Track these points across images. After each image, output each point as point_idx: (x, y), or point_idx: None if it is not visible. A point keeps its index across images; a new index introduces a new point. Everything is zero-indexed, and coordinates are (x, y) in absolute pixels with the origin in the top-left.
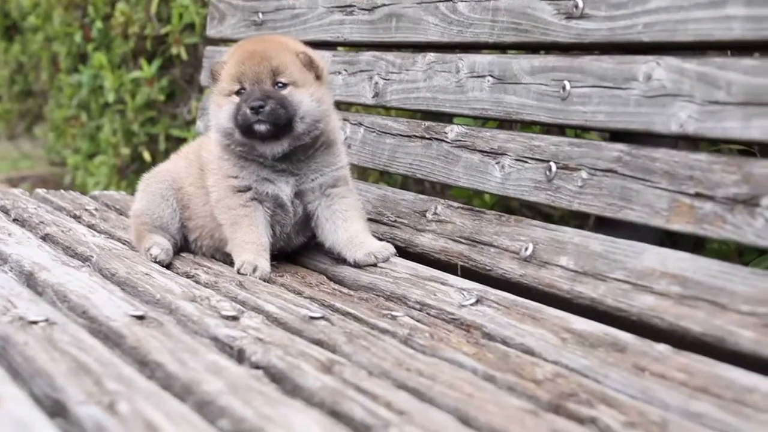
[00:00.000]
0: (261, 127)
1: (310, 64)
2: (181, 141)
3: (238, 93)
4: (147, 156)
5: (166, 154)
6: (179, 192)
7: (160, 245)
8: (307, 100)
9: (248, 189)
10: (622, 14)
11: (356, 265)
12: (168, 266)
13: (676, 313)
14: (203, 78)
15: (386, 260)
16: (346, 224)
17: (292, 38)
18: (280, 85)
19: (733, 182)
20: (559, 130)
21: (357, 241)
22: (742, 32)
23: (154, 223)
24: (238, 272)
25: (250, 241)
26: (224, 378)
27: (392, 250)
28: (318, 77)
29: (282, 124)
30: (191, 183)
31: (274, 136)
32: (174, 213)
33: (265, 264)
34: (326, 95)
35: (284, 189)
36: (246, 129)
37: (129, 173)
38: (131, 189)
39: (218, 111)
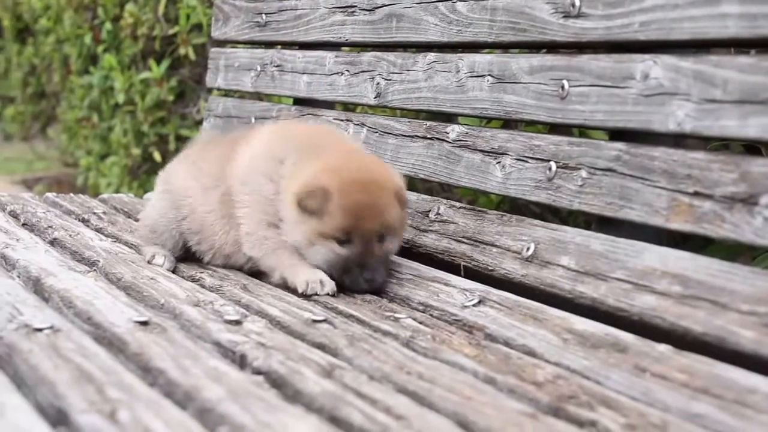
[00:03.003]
0: (368, 289)
1: (404, 201)
2: (190, 141)
3: (341, 242)
4: (157, 156)
5: (176, 154)
6: (181, 201)
7: (163, 253)
8: (396, 245)
9: None
10: (619, 13)
11: None
12: (174, 269)
13: (677, 313)
14: (209, 79)
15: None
16: None
17: (387, 168)
18: (382, 237)
19: (731, 181)
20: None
21: None
22: (737, 30)
23: (158, 226)
24: (304, 294)
25: (300, 260)
26: (225, 384)
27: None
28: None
29: None
30: (208, 211)
31: None
32: (171, 230)
33: (326, 276)
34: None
35: None
36: (348, 285)
37: (140, 173)
38: (143, 189)
39: (309, 247)
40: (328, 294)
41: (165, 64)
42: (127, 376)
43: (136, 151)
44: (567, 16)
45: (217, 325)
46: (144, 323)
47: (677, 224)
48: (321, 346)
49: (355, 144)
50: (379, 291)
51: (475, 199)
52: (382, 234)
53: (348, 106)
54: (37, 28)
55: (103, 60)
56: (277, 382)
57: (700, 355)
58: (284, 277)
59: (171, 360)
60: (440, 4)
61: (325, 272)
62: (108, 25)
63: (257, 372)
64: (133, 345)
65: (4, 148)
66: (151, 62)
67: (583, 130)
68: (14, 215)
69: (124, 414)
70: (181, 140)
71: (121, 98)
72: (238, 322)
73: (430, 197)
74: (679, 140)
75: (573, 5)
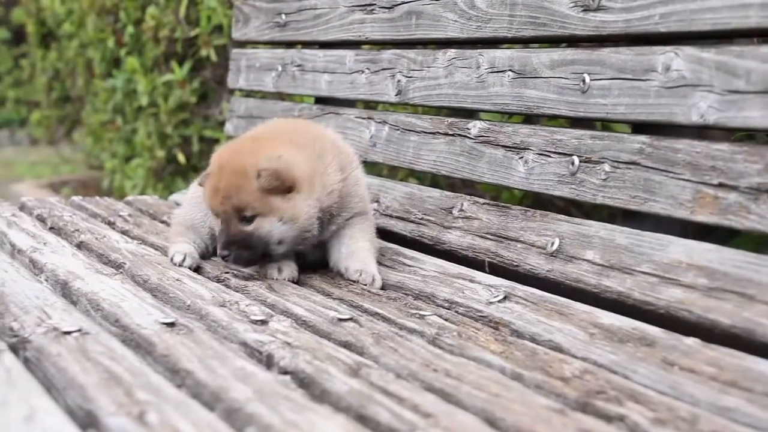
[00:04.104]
0: (237, 269)
1: (275, 184)
2: (213, 142)
3: (218, 218)
4: (181, 158)
5: (200, 156)
6: None
7: (182, 252)
8: (277, 227)
9: None
10: (639, 5)
11: (344, 272)
12: (199, 270)
13: (704, 306)
14: (230, 80)
15: (368, 285)
16: (350, 241)
17: (258, 144)
18: (247, 218)
19: (756, 171)
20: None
21: (356, 256)
22: (759, 20)
23: (187, 223)
24: (266, 278)
25: (184, 235)
26: (252, 384)
27: (379, 284)
28: (290, 189)
29: (255, 258)
30: None
31: (260, 263)
32: (204, 218)
33: (291, 264)
34: (303, 206)
35: (307, 250)
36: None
37: (165, 175)
38: (167, 190)
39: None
40: (286, 279)
41: (187, 65)
42: (155, 377)
43: (160, 153)
44: (587, 9)
45: (243, 325)
46: (170, 324)
47: (702, 216)
48: (347, 345)
49: (313, 130)
50: (237, 265)
51: (498, 194)
52: (244, 215)
53: (369, 104)
54: (60, 33)
55: (125, 63)
56: (304, 382)
57: (728, 348)
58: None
59: (198, 361)
60: (459, 0)
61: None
62: (130, 29)
63: (284, 372)
64: (160, 346)
65: (31, 153)
66: (174, 64)
67: (606, 124)
68: (41, 219)
69: (153, 416)
70: (205, 141)
71: (144, 101)
72: (263, 322)
73: (453, 194)
74: (702, 132)
75: None
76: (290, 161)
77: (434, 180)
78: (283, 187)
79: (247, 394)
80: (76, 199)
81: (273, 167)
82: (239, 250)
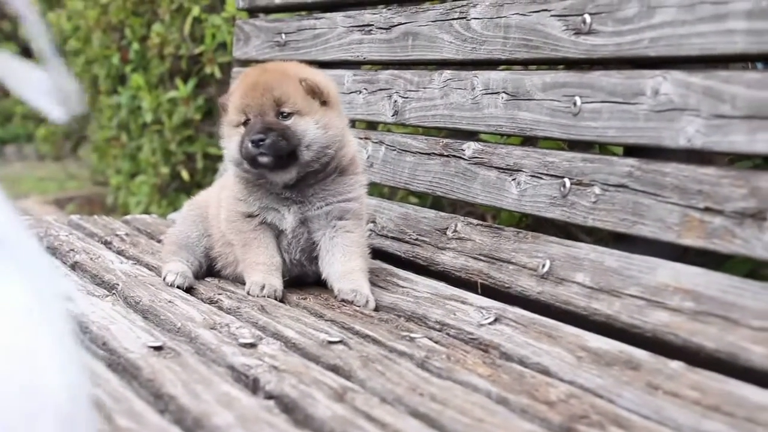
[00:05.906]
0: (264, 159)
1: (315, 91)
2: (218, 159)
3: (244, 124)
4: (185, 175)
5: (204, 173)
6: (206, 220)
7: (175, 271)
8: (312, 128)
9: (256, 215)
10: (629, 29)
11: (337, 294)
12: (192, 291)
13: (690, 329)
14: None
15: (361, 306)
16: (344, 258)
17: (296, 64)
18: (284, 114)
19: (740, 196)
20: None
21: (350, 278)
22: (744, 45)
23: (181, 242)
24: (248, 293)
25: (260, 262)
26: (236, 410)
27: (372, 306)
28: (325, 103)
29: (285, 154)
30: (213, 215)
31: (280, 166)
32: (200, 237)
33: (274, 281)
34: (335, 121)
35: (286, 217)
36: (251, 160)
37: (169, 192)
38: (172, 207)
39: (228, 142)
40: (266, 296)
41: (192, 83)
42: (137, 403)
43: (164, 170)
44: (578, 32)
45: (231, 348)
46: (158, 348)
47: (689, 240)
48: (335, 369)
49: None
50: (267, 155)
51: (497, 214)
52: (279, 110)
53: (368, 124)
54: (66, 49)
55: (131, 80)
56: (288, 407)
57: (712, 372)
58: (243, 272)
59: (182, 386)
60: (455, 22)
61: (243, 165)
62: (135, 46)
63: (269, 396)
64: (146, 371)
65: (38, 168)
66: (178, 81)
67: (602, 146)
68: (37, 239)
69: None
70: (209, 158)
71: (149, 117)
72: (252, 345)
73: (447, 215)
74: (702, 156)
75: (584, 22)
76: (328, 82)
77: (435, 200)
78: (320, 99)
79: (229, 420)
80: (74, 218)
81: (315, 79)
82: (276, 138)
